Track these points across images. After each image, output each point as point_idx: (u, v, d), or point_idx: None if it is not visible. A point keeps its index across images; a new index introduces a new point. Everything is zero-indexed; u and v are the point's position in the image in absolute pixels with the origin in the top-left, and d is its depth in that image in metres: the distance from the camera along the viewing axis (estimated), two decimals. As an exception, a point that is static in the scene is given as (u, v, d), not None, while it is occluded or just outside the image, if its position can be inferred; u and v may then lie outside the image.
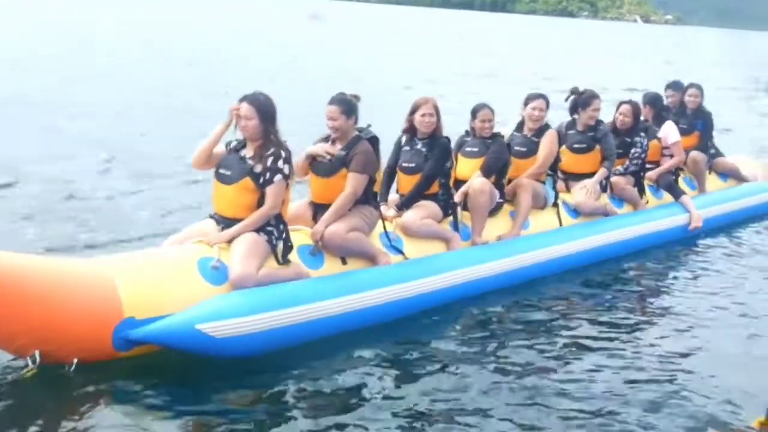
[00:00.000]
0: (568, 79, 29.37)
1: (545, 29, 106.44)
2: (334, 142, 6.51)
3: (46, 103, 16.57)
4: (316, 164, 6.50)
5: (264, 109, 5.90)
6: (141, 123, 15.10)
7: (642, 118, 9.18)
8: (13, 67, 21.67)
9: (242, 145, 6.03)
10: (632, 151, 8.90)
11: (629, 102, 9.11)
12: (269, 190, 5.83)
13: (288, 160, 5.91)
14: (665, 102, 10.23)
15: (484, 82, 27.76)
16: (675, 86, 10.56)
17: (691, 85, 10.50)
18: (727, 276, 8.12)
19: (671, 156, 9.64)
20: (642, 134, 8.97)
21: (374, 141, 6.49)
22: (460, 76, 30.09)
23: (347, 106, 6.40)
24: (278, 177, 5.83)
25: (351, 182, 6.29)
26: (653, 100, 9.77)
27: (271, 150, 5.86)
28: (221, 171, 5.96)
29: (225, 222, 5.91)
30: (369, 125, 6.57)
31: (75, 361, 5.03)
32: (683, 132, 10.17)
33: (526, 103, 8.08)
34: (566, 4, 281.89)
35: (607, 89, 8.45)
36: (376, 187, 6.58)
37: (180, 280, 5.41)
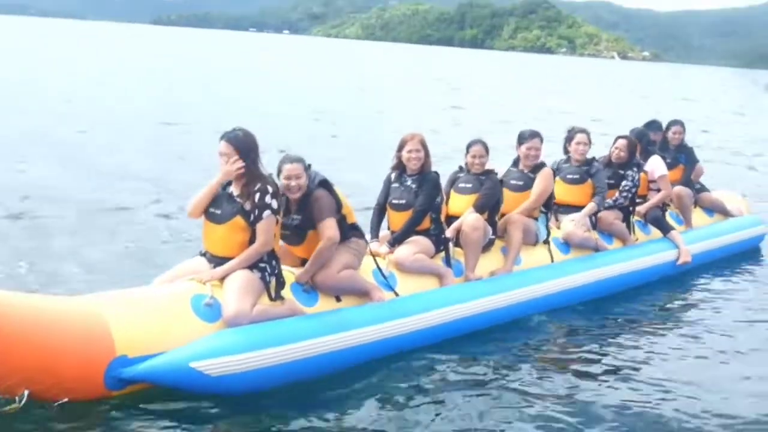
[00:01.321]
0: (543, 114, 30.06)
1: (524, 66, 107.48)
2: (288, 204, 6.26)
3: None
4: (283, 234, 6.30)
5: (243, 147, 5.82)
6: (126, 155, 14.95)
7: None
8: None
9: (229, 182, 5.96)
10: (623, 183, 8.93)
11: (626, 137, 9.19)
12: (260, 227, 5.76)
13: (275, 195, 5.83)
14: None
15: (460, 118, 27.96)
16: (651, 126, 10.52)
17: (675, 122, 10.55)
18: (717, 311, 8.12)
19: (658, 190, 9.66)
20: (635, 168, 9.01)
21: (325, 183, 6.28)
22: (439, 110, 30.34)
23: (305, 162, 6.26)
24: (267, 212, 5.76)
25: (324, 230, 6.12)
26: (640, 135, 9.79)
27: (257, 186, 5.79)
28: (211, 210, 5.88)
29: (217, 261, 5.83)
30: (309, 165, 6.30)
31: (65, 399, 4.91)
32: (667, 166, 10.24)
33: (520, 142, 8.08)
34: (544, 40, 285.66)
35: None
36: (351, 219, 6.41)
37: (173, 317, 5.33)
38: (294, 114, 24.81)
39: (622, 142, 9.08)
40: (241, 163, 5.79)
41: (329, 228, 6.15)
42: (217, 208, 5.86)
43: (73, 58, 47.90)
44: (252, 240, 5.78)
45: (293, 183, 6.17)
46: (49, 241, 8.98)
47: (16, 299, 4.95)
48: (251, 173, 5.83)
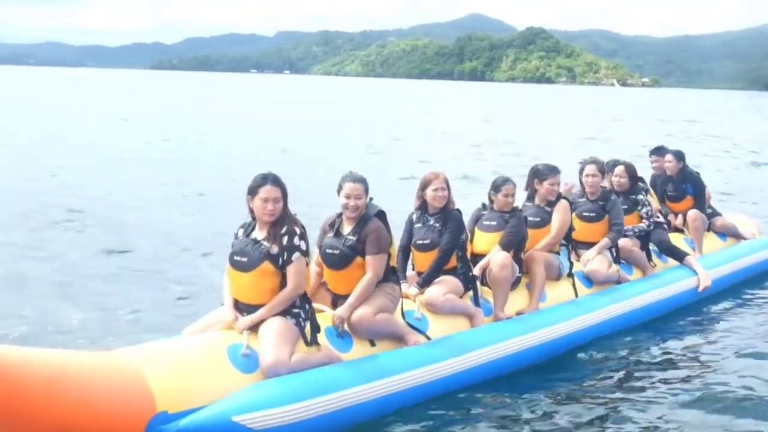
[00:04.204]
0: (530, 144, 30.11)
1: (524, 96, 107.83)
2: (341, 225, 6.34)
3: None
4: (327, 256, 6.31)
5: (286, 190, 5.79)
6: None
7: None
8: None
9: (252, 227, 5.87)
10: (643, 210, 8.93)
11: (623, 163, 9.19)
12: (290, 270, 5.66)
13: (303, 236, 5.74)
14: (651, 167, 10.37)
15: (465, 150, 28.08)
16: (658, 152, 10.56)
17: (667, 152, 10.50)
18: (747, 333, 8.12)
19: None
20: (644, 192, 9.00)
21: (382, 215, 6.34)
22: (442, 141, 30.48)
23: (366, 183, 6.31)
24: (296, 254, 5.67)
25: (371, 265, 6.13)
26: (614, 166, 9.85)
27: (285, 228, 5.70)
28: (237, 258, 5.76)
29: (248, 309, 5.71)
30: (371, 198, 6.39)
31: None
32: (673, 199, 10.26)
33: (540, 178, 8.03)
34: (544, 70, 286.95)
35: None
36: (393, 261, 6.42)
37: (211, 369, 5.25)
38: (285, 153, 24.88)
39: (620, 169, 9.07)
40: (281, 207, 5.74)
41: (378, 265, 6.15)
42: (242, 255, 5.73)
43: (78, 106, 48.21)
44: (282, 284, 5.68)
45: (352, 202, 6.19)
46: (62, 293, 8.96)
47: (51, 357, 4.85)
48: (281, 216, 5.75)
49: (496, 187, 7.62)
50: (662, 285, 8.79)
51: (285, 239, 5.68)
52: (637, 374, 6.98)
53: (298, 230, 5.73)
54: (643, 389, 6.59)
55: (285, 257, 5.66)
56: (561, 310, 7.55)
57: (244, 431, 4.96)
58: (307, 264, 5.81)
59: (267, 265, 5.67)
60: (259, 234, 5.79)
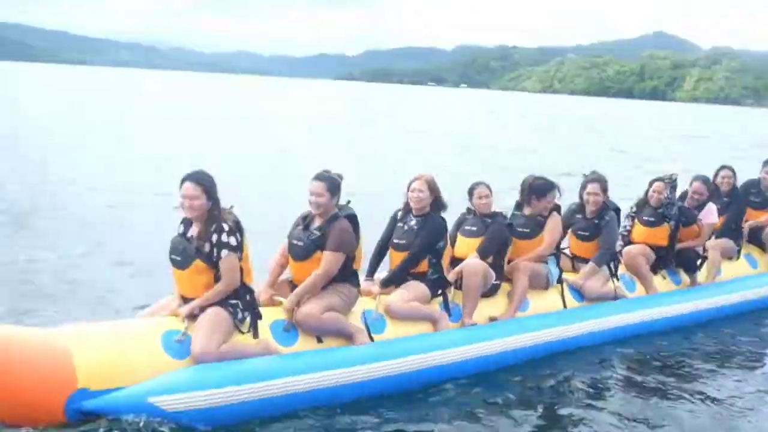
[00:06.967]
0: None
1: (702, 118, 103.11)
2: (311, 220, 6.54)
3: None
4: (292, 247, 6.54)
5: (210, 187, 5.94)
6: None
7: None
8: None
9: (188, 225, 6.07)
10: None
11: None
12: (221, 267, 5.86)
13: (233, 232, 5.88)
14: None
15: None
16: None
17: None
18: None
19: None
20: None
21: (352, 218, 6.48)
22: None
23: (331, 183, 6.44)
24: (225, 251, 5.85)
25: (325, 261, 6.30)
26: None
27: (214, 226, 5.88)
28: (173, 257, 6.02)
29: (189, 302, 5.95)
30: (348, 201, 6.56)
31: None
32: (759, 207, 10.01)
33: (538, 195, 7.86)
34: (728, 91, 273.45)
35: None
36: (357, 265, 6.55)
37: (141, 352, 5.53)
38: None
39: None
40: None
41: (332, 262, 6.31)
42: (177, 254, 5.98)
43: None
44: (218, 279, 5.89)
45: (312, 199, 6.40)
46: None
47: None
48: (212, 213, 5.93)
49: (470, 191, 7.64)
50: (656, 305, 8.34)
51: (214, 237, 5.89)
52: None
53: (226, 227, 5.88)
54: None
55: (215, 254, 5.87)
56: (531, 321, 7.42)
57: (158, 412, 5.24)
58: (240, 258, 5.97)
59: (198, 263, 5.89)
60: (194, 231, 6.01)
